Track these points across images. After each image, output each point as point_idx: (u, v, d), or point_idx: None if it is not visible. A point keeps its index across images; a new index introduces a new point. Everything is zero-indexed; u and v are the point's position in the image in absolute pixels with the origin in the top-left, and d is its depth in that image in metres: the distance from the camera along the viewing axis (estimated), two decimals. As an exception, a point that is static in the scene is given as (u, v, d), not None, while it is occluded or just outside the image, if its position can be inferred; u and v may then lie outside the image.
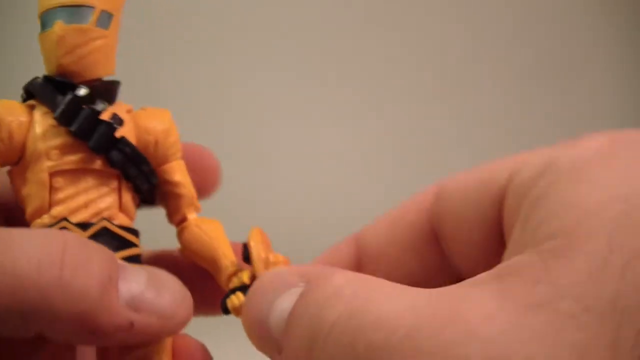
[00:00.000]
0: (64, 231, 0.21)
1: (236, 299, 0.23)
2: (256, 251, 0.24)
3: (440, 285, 0.23)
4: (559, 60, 0.82)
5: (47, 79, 0.23)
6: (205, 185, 0.27)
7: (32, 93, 0.23)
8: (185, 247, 0.25)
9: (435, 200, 0.24)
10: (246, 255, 0.24)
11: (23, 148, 0.22)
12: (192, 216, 0.25)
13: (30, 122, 0.22)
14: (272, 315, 0.19)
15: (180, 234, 0.25)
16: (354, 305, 0.17)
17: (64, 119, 0.22)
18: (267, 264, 0.23)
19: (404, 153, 0.78)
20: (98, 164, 0.23)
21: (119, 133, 0.23)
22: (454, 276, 0.25)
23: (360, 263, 0.26)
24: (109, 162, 0.23)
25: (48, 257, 0.19)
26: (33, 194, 0.22)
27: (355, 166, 0.76)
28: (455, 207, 0.23)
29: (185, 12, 0.74)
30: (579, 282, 0.15)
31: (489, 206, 0.22)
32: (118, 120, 0.23)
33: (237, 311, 0.23)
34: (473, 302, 0.16)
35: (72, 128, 0.22)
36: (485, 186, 0.22)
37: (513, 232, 0.19)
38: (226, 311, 0.23)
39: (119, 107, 0.24)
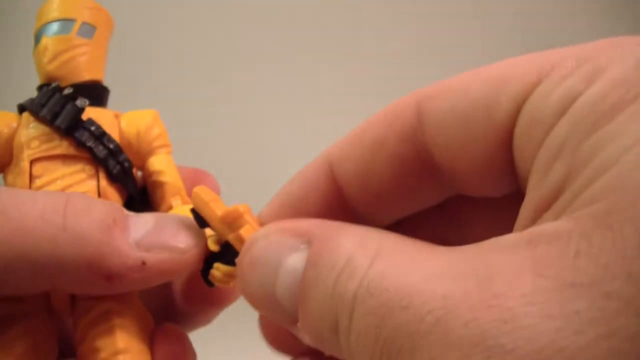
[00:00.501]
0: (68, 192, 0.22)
1: (217, 271, 0.22)
2: (207, 211, 0.22)
3: (435, 207, 0.22)
4: None
5: (38, 88, 0.25)
6: None
7: (23, 106, 0.25)
8: None
9: (419, 126, 0.20)
10: (199, 219, 0.22)
11: (12, 149, 0.24)
12: (177, 203, 0.25)
13: (18, 126, 0.24)
14: (279, 286, 0.18)
15: None
16: (372, 280, 0.15)
17: (37, 108, 0.24)
18: (227, 218, 0.21)
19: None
20: (71, 148, 0.24)
21: (88, 117, 0.24)
22: (450, 197, 0.22)
23: (340, 194, 0.22)
24: (77, 142, 0.23)
25: (52, 207, 0.19)
26: (15, 182, 0.23)
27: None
28: (448, 138, 0.19)
29: (182, 12, 0.74)
30: (627, 256, 0.13)
31: (491, 139, 0.18)
32: (83, 102, 0.24)
33: (223, 281, 0.22)
34: (506, 276, 0.14)
35: (42, 113, 0.23)
36: (484, 116, 0.18)
37: (529, 182, 0.17)
38: (210, 283, 0.23)
39: (107, 112, 0.25)
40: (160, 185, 0.25)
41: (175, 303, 0.25)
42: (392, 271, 0.15)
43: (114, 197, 0.24)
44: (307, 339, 0.18)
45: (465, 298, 0.14)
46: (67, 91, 0.24)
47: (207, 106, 0.74)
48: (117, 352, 0.21)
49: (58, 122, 0.23)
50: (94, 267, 0.19)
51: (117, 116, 0.25)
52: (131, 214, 0.21)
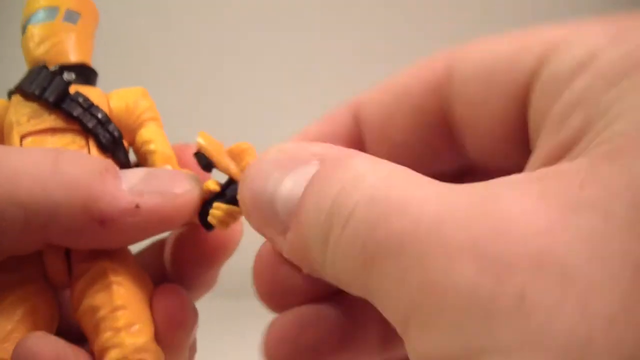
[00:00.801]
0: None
1: (217, 210, 0.21)
2: (212, 148, 0.22)
3: (450, 176, 0.22)
4: None
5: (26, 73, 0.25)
6: None
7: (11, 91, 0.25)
8: None
9: (447, 80, 0.21)
10: (204, 162, 0.22)
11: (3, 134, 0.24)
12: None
13: (8, 108, 0.25)
14: (280, 193, 0.18)
15: None
16: (377, 190, 0.15)
17: (26, 85, 0.24)
18: (234, 151, 0.21)
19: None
20: (59, 121, 0.24)
21: (72, 90, 0.24)
22: (466, 167, 0.23)
23: (361, 138, 0.23)
24: (65, 113, 0.24)
25: (43, 156, 0.20)
26: None
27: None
28: (472, 93, 0.20)
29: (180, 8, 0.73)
30: (633, 186, 0.13)
31: (512, 96, 0.19)
32: (71, 76, 0.24)
33: (223, 221, 0.22)
34: (508, 197, 0.14)
35: (31, 89, 0.24)
36: (508, 70, 0.19)
37: (542, 135, 0.17)
38: (209, 226, 0.22)
39: (95, 89, 0.25)
40: (150, 153, 0.25)
41: (167, 271, 0.25)
42: (399, 185, 0.15)
43: None
44: (289, 252, 0.18)
45: (465, 208, 0.14)
46: (53, 68, 0.24)
47: (198, 87, 0.73)
48: (115, 309, 0.21)
49: (46, 94, 0.23)
50: (86, 211, 0.19)
51: (106, 95, 0.25)
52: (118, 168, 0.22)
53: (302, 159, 0.18)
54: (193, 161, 0.24)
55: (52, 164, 0.19)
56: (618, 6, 0.79)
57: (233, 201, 0.21)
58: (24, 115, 0.24)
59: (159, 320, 0.21)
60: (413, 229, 0.14)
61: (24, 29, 0.25)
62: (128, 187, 0.20)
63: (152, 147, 0.25)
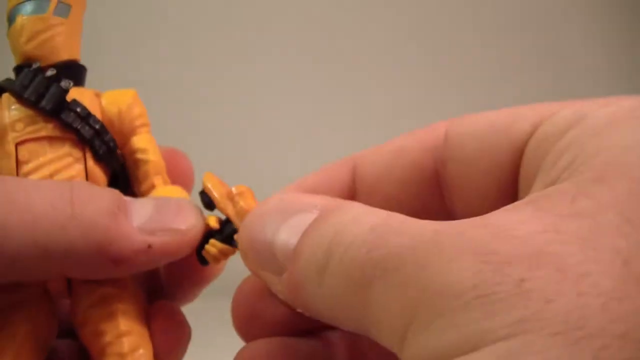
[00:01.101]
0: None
1: (212, 247, 0.23)
2: (217, 190, 0.23)
3: None
4: (558, 58, 0.81)
5: (15, 68, 0.25)
6: (178, 184, 0.27)
7: (2, 87, 0.25)
8: None
9: (444, 142, 0.22)
10: (206, 201, 0.24)
11: None
12: (159, 183, 0.25)
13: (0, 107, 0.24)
14: (279, 238, 0.18)
15: None
16: (377, 223, 0.16)
17: (21, 90, 0.23)
18: (232, 197, 0.23)
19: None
20: (57, 130, 0.24)
21: (70, 97, 0.24)
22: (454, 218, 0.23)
23: (355, 192, 0.24)
24: (63, 123, 0.23)
25: (59, 195, 0.20)
26: (1, 165, 0.23)
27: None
28: (466, 153, 0.21)
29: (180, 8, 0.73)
30: (619, 200, 0.14)
31: (505, 157, 0.20)
32: (68, 83, 0.24)
33: (216, 257, 0.23)
34: (504, 213, 0.15)
35: (26, 94, 0.23)
36: (503, 134, 0.20)
37: (536, 179, 0.18)
38: (203, 261, 0.24)
39: (88, 92, 0.25)
40: (143, 163, 0.25)
41: (160, 282, 0.26)
42: (398, 219, 0.16)
43: (100, 177, 0.24)
44: (284, 290, 0.18)
45: (462, 224, 0.15)
46: (50, 72, 0.24)
47: (184, 85, 0.73)
48: (120, 335, 0.22)
49: (43, 103, 0.23)
50: (102, 252, 0.20)
51: (97, 95, 0.25)
52: (130, 199, 0.22)
53: (302, 208, 0.19)
54: (181, 167, 0.26)
55: (69, 204, 0.20)
56: (618, 6, 0.78)
57: (228, 240, 0.23)
58: (19, 121, 0.23)
59: (160, 342, 0.23)
60: (412, 244, 0.15)
61: (11, 17, 0.24)
62: (139, 225, 0.21)
63: (146, 157, 0.25)
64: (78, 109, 0.24)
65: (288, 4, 0.76)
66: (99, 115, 0.24)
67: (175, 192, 0.25)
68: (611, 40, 0.80)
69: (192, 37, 0.74)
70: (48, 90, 0.23)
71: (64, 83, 0.24)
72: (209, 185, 0.23)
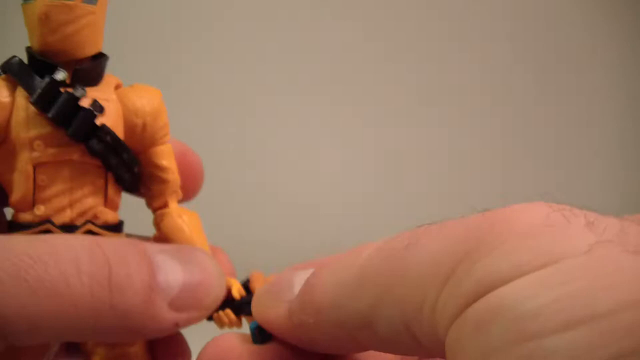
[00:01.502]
0: (101, 242, 0.20)
1: (225, 317, 0.24)
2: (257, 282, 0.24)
3: None
4: (561, 67, 0.81)
5: (27, 57, 0.22)
6: (188, 182, 0.26)
7: (10, 72, 0.22)
8: (163, 235, 0.24)
9: None
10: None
11: (6, 129, 0.22)
12: (173, 204, 0.25)
13: (13, 103, 0.22)
14: (296, 278, 0.20)
15: (159, 220, 0.24)
16: (369, 256, 0.18)
17: (41, 104, 0.21)
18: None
19: (404, 167, 0.77)
20: (79, 154, 0.22)
21: (99, 120, 0.22)
22: None
23: None
24: (90, 150, 0.22)
25: (98, 279, 0.19)
26: (18, 182, 0.22)
27: (352, 180, 0.75)
28: None
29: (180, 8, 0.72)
30: None
31: None
32: (98, 107, 0.22)
33: (223, 323, 0.24)
34: None
35: (50, 114, 0.21)
36: None
37: None
38: (209, 319, 0.24)
39: (107, 82, 0.23)
40: (161, 181, 0.24)
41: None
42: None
43: (116, 200, 0.23)
44: (298, 308, 0.20)
45: None
46: (61, 76, 0.21)
47: (203, 108, 0.73)
48: None
49: (71, 131, 0.21)
50: (134, 332, 0.21)
51: (118, 87, 0.23)
52: (157, 261, 0.21)
53: (302, 271, 0.21)
54: (191, 167, 0.26)
55: (107, 292, 0.20)
56: (618, 6, 0.78)
57: (240, 311, 0.24)
58: (38, 138, 0.21)
59: None
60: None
61: None
62: (168, 301, 0.21)
63: (165, 175, 0.24)
64: (108, 138, 0.22)
65: (289, 9, 0.75)
66: (121, 122, 0.23)
67: (193, 221, 0.24)
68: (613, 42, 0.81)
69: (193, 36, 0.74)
70: (76, 113, 0.21)
71: (94, 106, 0.22)
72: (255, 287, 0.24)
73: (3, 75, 0.22)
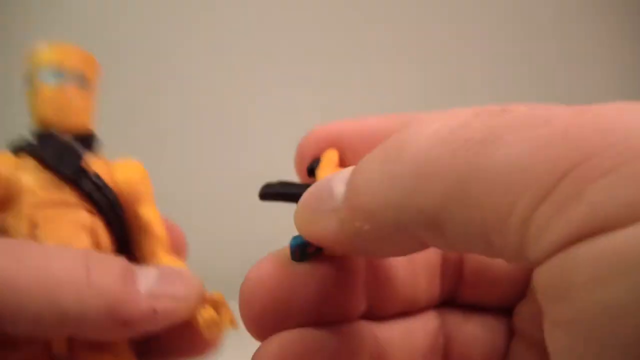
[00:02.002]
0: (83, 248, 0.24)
1: (206, 314, 0.24)
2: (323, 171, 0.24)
3: None
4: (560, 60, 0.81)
5: (33, 133, 0.25)
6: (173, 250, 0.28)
7: (20, 148, 0.25)
8: None
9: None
10: (311, 169, 0.24)
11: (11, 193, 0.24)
12: (161, 255, 0.26)
13: (18, 168, 0.24)
14: (336, 181, 0.18)
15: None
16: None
17: (41, 153, 0.24)
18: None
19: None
20: (73, 197, 0.24)
21: (86, 168, 0.24)
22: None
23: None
24: (81, 191, 0.24)
25: (76, 263, 0.22)
26: (15, 227, 0.24)
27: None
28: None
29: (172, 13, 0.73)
30: None
31: None
32: (82, 150, 0.25)
33: (209, 327, 0.24)
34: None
35: (46, 159, 0.24)
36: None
37: None
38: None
39: (98, 161, 0.25)
40: (149, 236, 0.26)
41: (149, 346, 0.27)
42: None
43: (108, 245, 0.25)
44: (343, 212, 0.18)
45: None
46: (69, 140, 0.25)
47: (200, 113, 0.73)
48: None
49: (62, 168, 0.24)
50: (113, 315, 0.22)
51: (106, 164, 0.26)
52: (137, 266, 0.24)
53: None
54: (175, 238, 0.27)
55: (85, 273, 0.22)
56: (618, 6, 0.78)
57: (292, 197, 0.23)
58: (36, 185, 0.24)
59: None
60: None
61: (31, 80, 0.25)
62: (146, 289, 0.23)
63: (151, 230, 0.26)
64: (94, 178, 0.24)
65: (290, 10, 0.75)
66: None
67: (176, 263, 0.26)
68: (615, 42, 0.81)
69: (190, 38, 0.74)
70: (65, 154, 0.24)
71: (81, 150, 0.25)
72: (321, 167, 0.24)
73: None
